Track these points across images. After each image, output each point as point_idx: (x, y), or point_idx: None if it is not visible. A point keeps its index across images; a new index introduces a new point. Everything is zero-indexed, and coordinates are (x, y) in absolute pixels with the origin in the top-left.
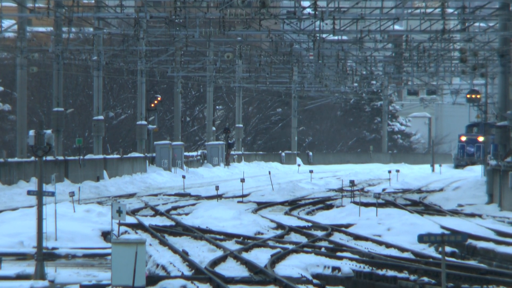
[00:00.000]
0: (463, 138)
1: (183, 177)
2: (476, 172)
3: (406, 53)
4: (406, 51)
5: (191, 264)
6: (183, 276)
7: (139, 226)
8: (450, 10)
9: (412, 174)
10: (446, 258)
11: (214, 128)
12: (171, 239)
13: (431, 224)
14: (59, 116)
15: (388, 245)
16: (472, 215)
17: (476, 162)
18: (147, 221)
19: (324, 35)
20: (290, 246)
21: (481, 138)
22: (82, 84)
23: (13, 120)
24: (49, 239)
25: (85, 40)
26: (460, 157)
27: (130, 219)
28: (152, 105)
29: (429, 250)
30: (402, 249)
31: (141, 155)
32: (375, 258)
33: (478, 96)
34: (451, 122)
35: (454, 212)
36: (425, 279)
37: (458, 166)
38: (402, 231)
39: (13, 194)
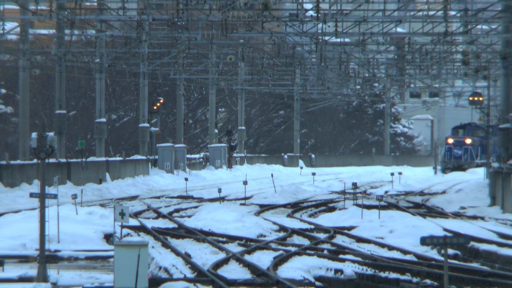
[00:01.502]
0: (450, 141)
1: (186, 179)
2: (478, 174)
3: (408, 56)
4: (408, 53)
5: (194, 267)
6: (185, 279)
7: (141, 229)
8: (452, 13)
9: (415, 177)
10: (449, 260)
11: (216, 131)
12: (173, 242)
13: (434, 227)
14: (61, 119)
15: (391, 248)
16: (475, 217)
17: (463, 165)
18: (150, 223)
19: (326, 38)
20: (293, 249)
21: (468, 141)
22: (85, 86)
23: (15, 123)
24: (52, 242)
25: (87, 43)
26: (447, 160)
27: (133, 222)
28: (155, 107)
29: (432, 253)
30: (405, 252)
31: (144, 157)
32: (377, 261)
33: (481, 99)
34: (454, 125)
35: (456, 215)
36: (428, 281)
37: (445, 169)
38: (405, 233)
39: (16, 196)
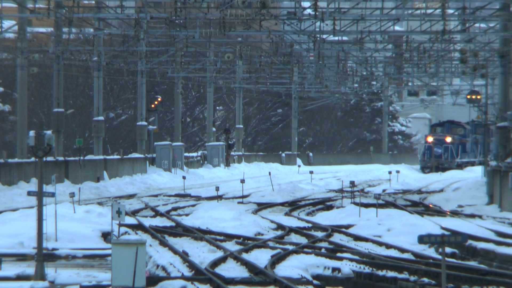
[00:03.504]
0: (430, 139)
1: (183, 177)
2: (476, 172)
3: (406, 54)
4: (406, 51)
5: (191, 265)
6: (183, 277)
7: (139, 227)
8: (450, 11)
9: (412, 175)
10: (446, 259)
11: (214, 129)
12: (171, 240)
13: (431, 225)
14: (59, 117)
15: (388, 246)
16: (472, 216)
17: (443, 164)
18: (147, 221)
19: (324, 36)
20: (290, 247)
21: (449, 139)
22: (83, 84)
23: (13, 121)
24: (49, 240)
25: (85, 41)
26: (427, 159)
27: (130, 220)
28: (153, 105)
29: (429, 251)
30: (402, 250)
31: (141, 155)
32: (375, 259)
33: (479, 97)
34: None
35: (454, 213)
36: (425, 280)
37: (424, 168)
38: (402, 231)
39: (13, 194)
